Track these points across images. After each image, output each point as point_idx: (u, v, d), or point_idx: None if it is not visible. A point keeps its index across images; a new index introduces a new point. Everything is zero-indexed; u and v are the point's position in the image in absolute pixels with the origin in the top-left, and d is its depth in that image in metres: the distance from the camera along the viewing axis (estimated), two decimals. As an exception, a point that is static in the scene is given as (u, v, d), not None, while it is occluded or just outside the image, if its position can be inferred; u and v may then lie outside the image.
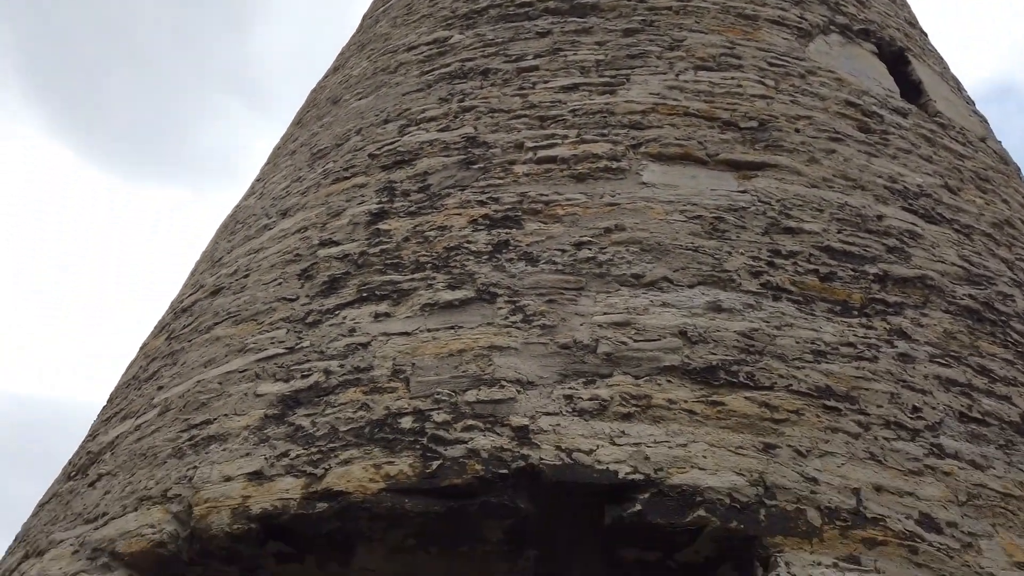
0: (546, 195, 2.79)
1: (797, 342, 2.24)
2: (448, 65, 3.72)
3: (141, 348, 3.37)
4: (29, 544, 2.51)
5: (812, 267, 2.51)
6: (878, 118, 3.45)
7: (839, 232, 2.66)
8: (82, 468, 2.73)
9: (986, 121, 4.55)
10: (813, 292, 2.43)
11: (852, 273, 2.52)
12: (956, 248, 2.80)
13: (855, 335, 2.29)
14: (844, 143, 3.16)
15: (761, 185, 2.82)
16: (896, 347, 2.28)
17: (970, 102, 4.52)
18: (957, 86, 4.55)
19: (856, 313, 2.38)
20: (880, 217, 2.80)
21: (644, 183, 2.83)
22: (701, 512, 1.79)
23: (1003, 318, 2.54)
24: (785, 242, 2.59)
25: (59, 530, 2.39)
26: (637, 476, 1.85)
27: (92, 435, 2.97)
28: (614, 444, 1.92)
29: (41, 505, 2.89)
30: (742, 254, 2.52)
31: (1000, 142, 4.29)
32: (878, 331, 2.32)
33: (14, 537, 2.93)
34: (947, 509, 1.86)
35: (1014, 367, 2.35)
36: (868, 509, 1.82)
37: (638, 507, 1.81)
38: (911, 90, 3.96)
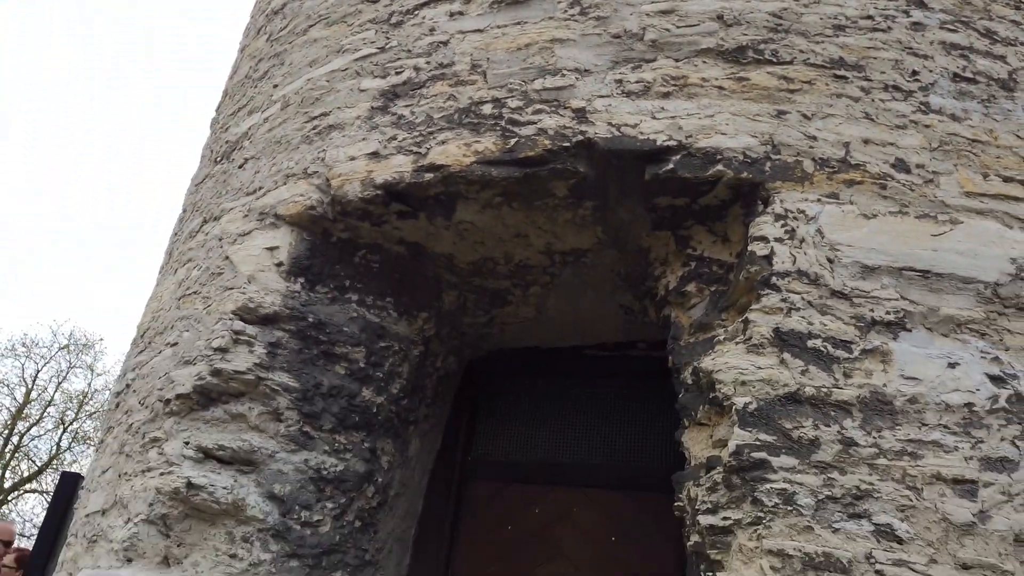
0: None
1: (821, 18, 2.54)
2: None
3: (242, 50, 3.82)
4: (203, 212, 3.26)
5: (848, -61, 2.68)
6: None
7: (882, -102, 2.75)
8: (225, 154, 3.39)
9: None
10: (845, -34, 2.64)
11: (887, -57, 2.68)
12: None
13: (875, 7, 2.56)
14: None
15: None
16: (911, 16, 2.56)
17: None
18: None
19: (882, -15, 2.62)
20: None
21: None
22: (719, 167, 2.33)
23: (1027, -22, 2.72)
24: (826, -86, 2.72)
25: (226, 201, 3.11)
26: (671, 142, 2.36)
27: (224, 127, 3.58)
28: (654, 118, 2.40)
29: (197, 184, 3.62)
30: (782, -70, 2.69)
31: None
32: (898, 2, 2.58)
33: (182, 208, 3.74)
34: (919, 154, 2.34)
35: (1019, 27, 2.61)
36: (853, 158, 2.32)
37: (671, 166, 2.35)
38: None
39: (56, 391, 22.87)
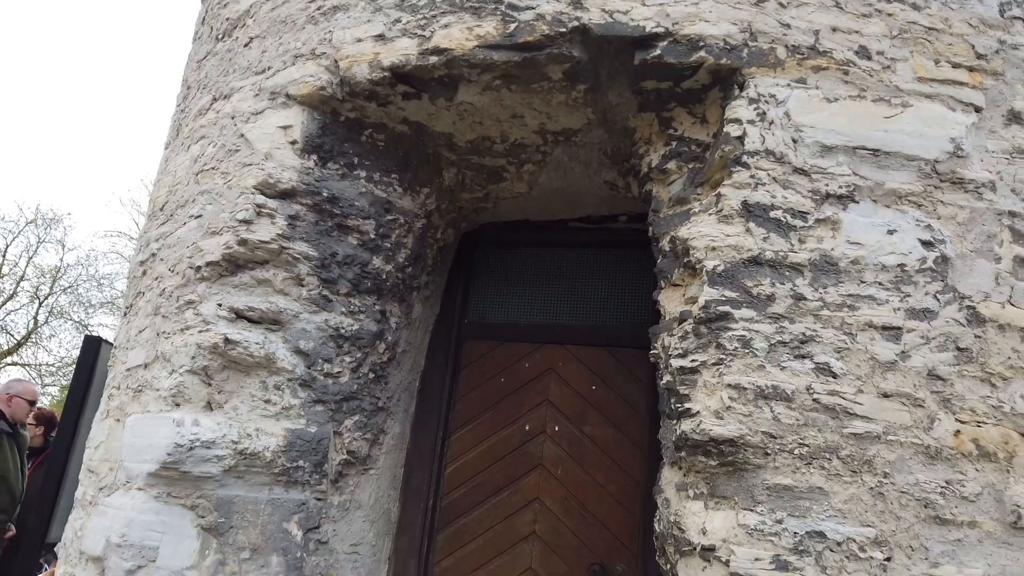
0: None
1: (801, -93, 2.69)
2: None
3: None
4: (211, 90, 3.41)
5: None
6: None
7: None
8: (227, 31, 3.50)
9: None
10: None
11: None
12: None
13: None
14: None
15: None
16: (884, -93, 2.72)
17: None
18: None
19: None
20: None
21: None
22: (702, 53, 2.55)
23: None
24: None
25: (234, 80, 3.27)
26: (659, 29, 2.57)
27: (221, 3, 3.66)
28: (644, 5, 2.60)
29: (198, 62, 3.73)
30: None
31: None
32: None
33: (184, 85, 3.85)
34: (880, 41, 2.58)
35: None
36: (822, 45, 2.56)
37: (658, 52, 2.57)
38: None
39: (27, 266, 22.88)
